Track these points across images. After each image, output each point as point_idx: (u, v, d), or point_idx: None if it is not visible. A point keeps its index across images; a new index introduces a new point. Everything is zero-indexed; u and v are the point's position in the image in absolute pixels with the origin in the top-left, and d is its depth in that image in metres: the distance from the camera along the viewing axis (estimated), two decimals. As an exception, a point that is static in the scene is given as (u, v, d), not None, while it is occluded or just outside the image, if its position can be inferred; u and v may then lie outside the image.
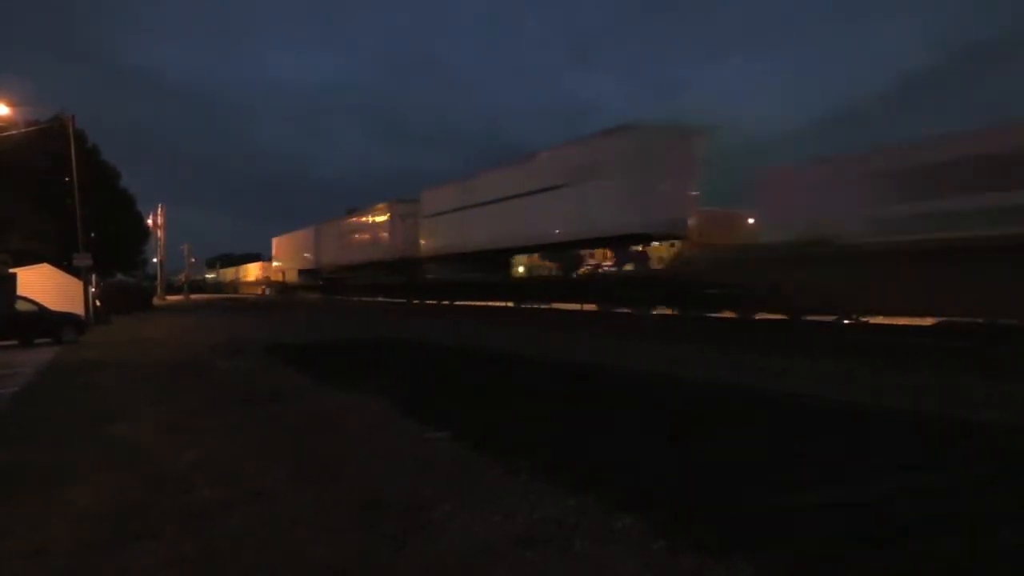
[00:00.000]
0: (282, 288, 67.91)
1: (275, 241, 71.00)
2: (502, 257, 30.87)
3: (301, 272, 60.84)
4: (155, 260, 63.91)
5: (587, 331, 18.68)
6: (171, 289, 75.37)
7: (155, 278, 66.56)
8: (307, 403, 8.13)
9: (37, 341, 17.75)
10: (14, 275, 23.30)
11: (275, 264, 71.28)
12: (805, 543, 3.52)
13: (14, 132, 27.20)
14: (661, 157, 21.14)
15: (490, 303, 31.51)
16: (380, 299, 43.28)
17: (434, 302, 36.17)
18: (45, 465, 5.56)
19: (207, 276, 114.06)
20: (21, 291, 20.83)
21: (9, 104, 23.26)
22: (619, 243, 24.87)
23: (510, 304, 29.74)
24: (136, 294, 40.16)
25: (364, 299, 45.44)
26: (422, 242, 35.03)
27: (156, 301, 49.23)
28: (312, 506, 4.38)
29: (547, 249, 28.23)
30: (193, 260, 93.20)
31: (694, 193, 21.42)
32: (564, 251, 28.02)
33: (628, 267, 26.64)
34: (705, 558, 3.37)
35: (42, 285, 22.93)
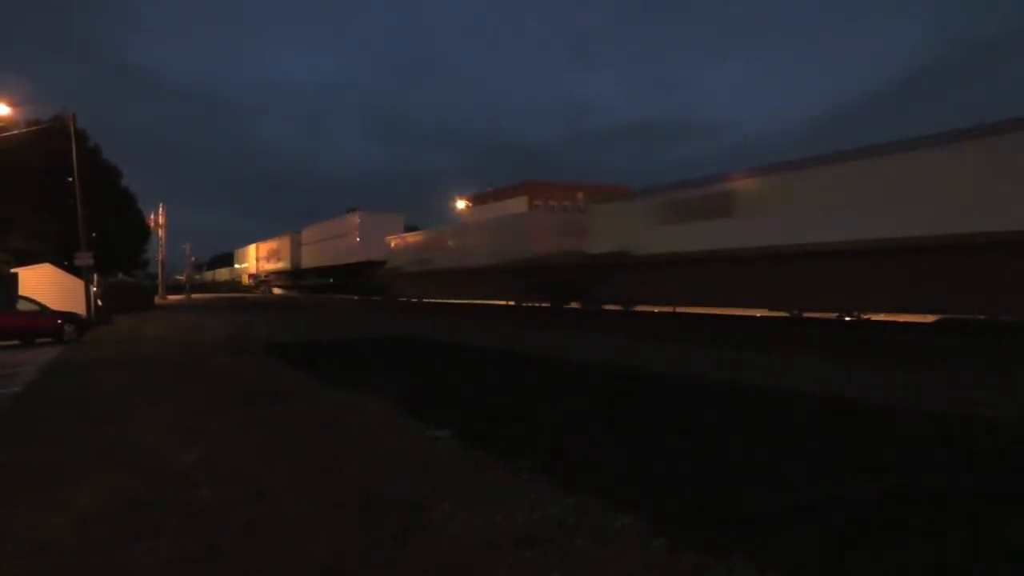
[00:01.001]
0: (239, 287, 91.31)
1: (237, 252, 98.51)
2: (336, 271, 55.82)
3: (250, 276, 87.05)
4: (156, 259, 63.98)
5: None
6: (173, 289, 75.58)
7: (156, 277, 66.68)
8: (307, 402, 8.14)
9: (39, 341, 17.78)
10: (15, 275, 23.35)
11: (236, 269, 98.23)
12: (806, 541, 3.51)
13: (15, 132, 27.22)
14: (379, 224, 49.11)
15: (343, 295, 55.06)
16: (287, 293, 69.11)
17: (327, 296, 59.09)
18: (47, 464, 5.56)
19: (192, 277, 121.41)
20: (23, 291, 20.88)
21: (10, 104, 23.29)
22: (371, 266, 47.27)
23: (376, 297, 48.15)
24: (137, 293, 40.20)
25: (280, 294, 70.51)
26: (303, 259, 64.21)
27: (157, 300, 49.24)
28: (313, 505, 4.38)
29: (347, 268, 52.39)
30: (194, 259, 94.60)
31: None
32: (355, 268, 50.90)
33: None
34: (705, 556, 3.37)
35: (43, 285, 22.97)
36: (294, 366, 11.53)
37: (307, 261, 62.60)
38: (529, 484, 4.65)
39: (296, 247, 65.92)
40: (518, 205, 49.65)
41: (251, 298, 64.65)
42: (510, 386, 8.98)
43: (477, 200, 64.24)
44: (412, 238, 44.38)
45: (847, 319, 17.38)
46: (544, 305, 28.47)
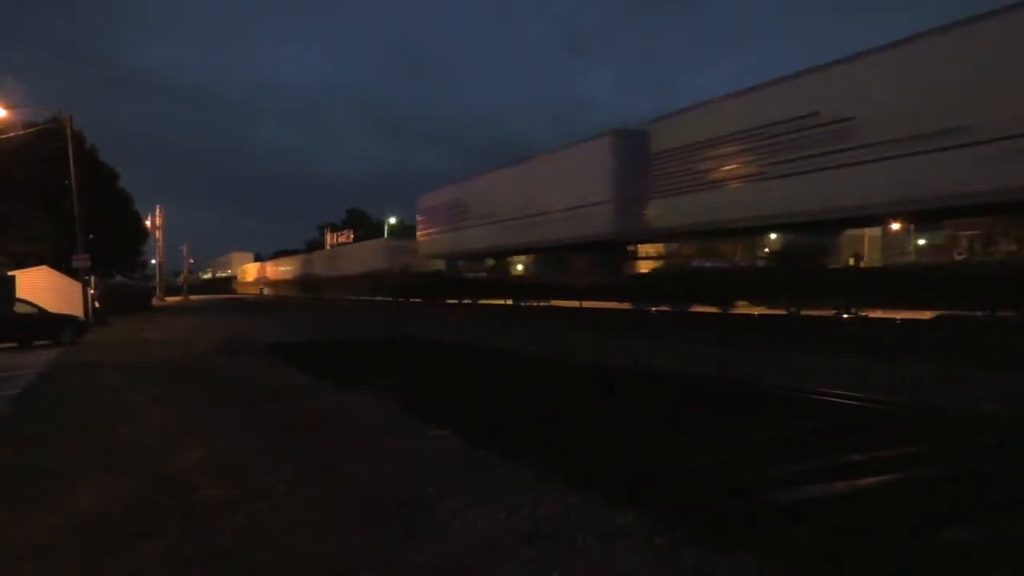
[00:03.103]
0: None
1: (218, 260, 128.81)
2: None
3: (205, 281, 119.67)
4: (154, 261, 63.97)
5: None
6: (171, 290, 75.57)
7: (154, 279, 66.64)
8: (308, 402, 8.13)
9: (36, 343, 17.74)
10: (12, 277, 23.27)
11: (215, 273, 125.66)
12: (807, 537, 3.52)
13: (12, 134, 27.16)
14: (242, 258, 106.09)
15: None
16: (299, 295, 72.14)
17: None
18: (48, 466, 5.56)
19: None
20: (20, 293, 20.81)
21: (7, 106, 23.23)
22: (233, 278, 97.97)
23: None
24: (135, 295, 40.17)
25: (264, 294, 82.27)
26: (217, 271, 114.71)
27: (155, 302, 49.22)
28: (316, 505, 4.39)
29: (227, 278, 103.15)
30: (192, 260, 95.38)
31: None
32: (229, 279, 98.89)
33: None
34: (708, 553, 3.38)
35: (41, 287, 22.89)
36: (293, 366, 11.52)
37: (218, 273, 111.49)
38: (531, 482, 4.65)
39: (220, 265, 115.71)
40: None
41: (248, 299, 65.35)
42: (510, 384, 8.97)
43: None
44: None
45: (844, 315, 17.41)
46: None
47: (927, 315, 15.56)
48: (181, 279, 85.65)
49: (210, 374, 11.14)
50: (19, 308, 18.35)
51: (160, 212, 60.69)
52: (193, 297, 72.58)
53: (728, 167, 18.56)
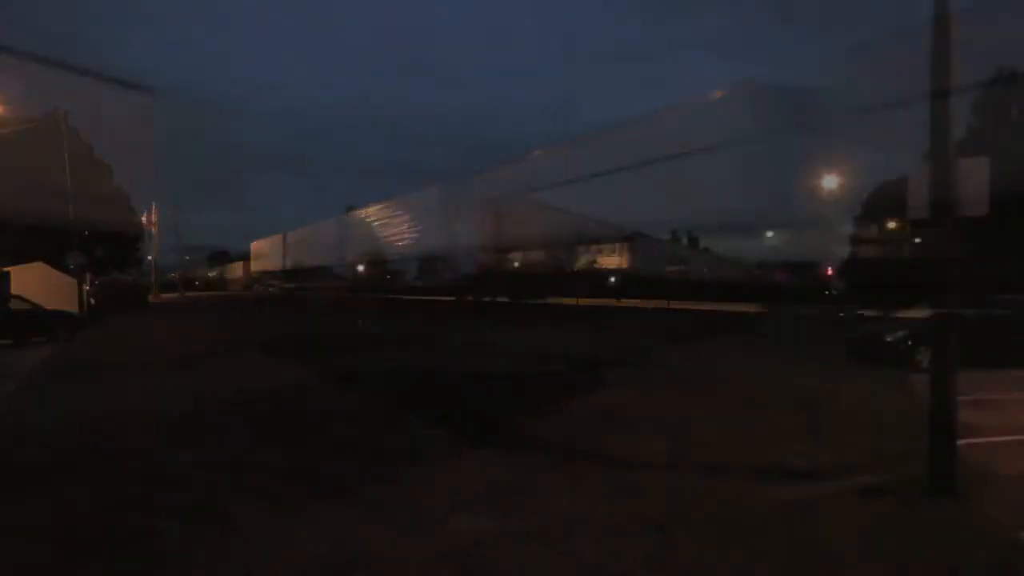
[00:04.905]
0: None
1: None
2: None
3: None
4: (150, 258, 63.73)
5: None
6: (166, 287, 75.30)
7: (150, 276, 66.38)
8: (299, 401, 8.17)
9: (32, 340, 17.69)
10: (7, 273, 23.20)
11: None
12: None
13: (7, 130, 27.09)
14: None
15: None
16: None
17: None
18: (43, 466, 5.58)
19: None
20: (15, 290, 20.76)
21: (2, 101, 23.17)
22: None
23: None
24: (130, 292, 40.00)
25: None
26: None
27: (151, 299, 49.02)
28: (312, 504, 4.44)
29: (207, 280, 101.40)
30: (187, 258, 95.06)
31: None
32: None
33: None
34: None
35: (36, 283, 22.84)
36: (286, 363, 11.53)
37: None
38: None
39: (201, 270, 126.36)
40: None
41: (246, 296, 65.51)
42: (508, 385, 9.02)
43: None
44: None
45: None
46: None
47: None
48: (176, 276, 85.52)
49: (205, 372, 11.14)
50: (14, 305, 18.27)
51: (156, 209, 60.46)
52: (188, 295, 72.36)
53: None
